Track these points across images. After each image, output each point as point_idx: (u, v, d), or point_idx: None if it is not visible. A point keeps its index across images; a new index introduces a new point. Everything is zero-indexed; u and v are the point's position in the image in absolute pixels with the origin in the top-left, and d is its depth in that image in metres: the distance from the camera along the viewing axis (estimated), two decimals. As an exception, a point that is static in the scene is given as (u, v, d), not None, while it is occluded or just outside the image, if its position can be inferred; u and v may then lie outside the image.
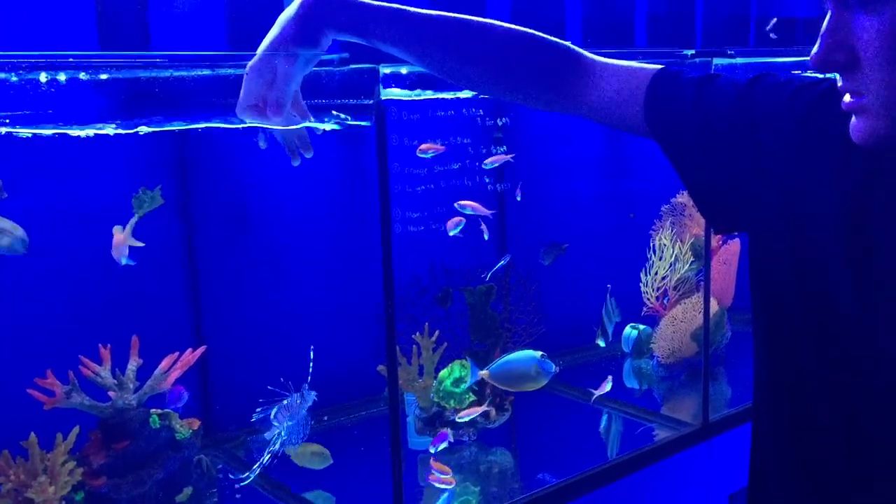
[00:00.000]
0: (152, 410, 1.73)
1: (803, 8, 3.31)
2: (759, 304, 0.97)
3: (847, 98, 0.79)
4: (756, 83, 0.97)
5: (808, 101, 0.91)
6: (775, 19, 3.16)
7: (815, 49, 0.78)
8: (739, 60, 2.05)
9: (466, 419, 1.96)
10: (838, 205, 0.85)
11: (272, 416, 1.69)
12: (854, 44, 0.76)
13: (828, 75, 0.85)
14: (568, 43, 1.09)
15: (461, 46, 1.09)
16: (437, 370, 2.04)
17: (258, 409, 1.69)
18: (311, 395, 1.70)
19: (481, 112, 1.87)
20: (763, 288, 0.96)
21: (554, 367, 1.82)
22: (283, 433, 1.70)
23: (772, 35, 3.15)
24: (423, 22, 1.07)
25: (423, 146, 1.76)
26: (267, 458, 1.70)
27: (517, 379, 1.82)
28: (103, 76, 1.48)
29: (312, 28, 1.06)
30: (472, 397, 2.02)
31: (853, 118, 0.80)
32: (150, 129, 1.71)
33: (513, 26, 1.08)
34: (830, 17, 0.77)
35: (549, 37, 1.09)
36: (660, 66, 1.04)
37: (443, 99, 1.73)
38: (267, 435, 1.70)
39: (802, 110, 0.91)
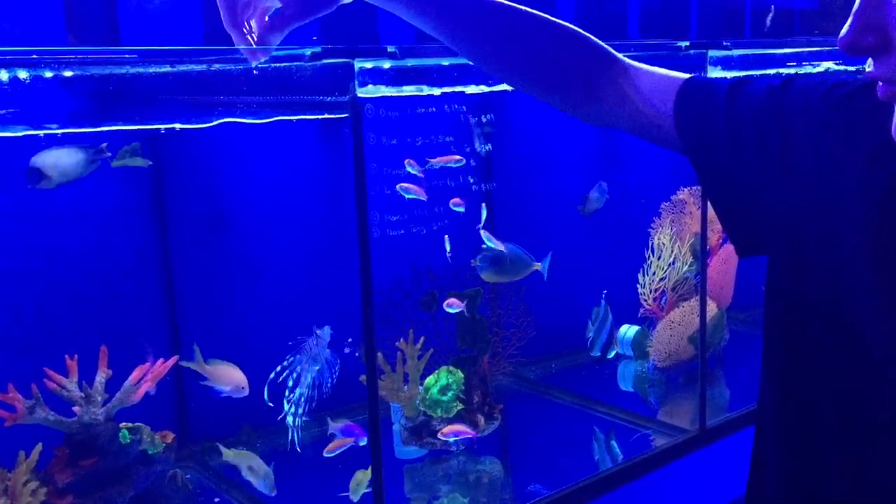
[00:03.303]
0: (122, 425, 1.66)
1: (800, -1, 3.25)
2: (776, 312, 0.92)
3: (880, 86, 0.72)
4: (788, 86, 0.91)
5: (838, 99, 0.86)
6: (772, 12, 3.09)
7: (844, 30, 0.70)
8: (735, 52, 1.97)
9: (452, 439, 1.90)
10: (868, 209, 0.80)
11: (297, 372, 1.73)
12: (887, 25, 0.69)
13: (859, 67, 0.77)
14: (600, 41, 1.03)
15: (502, 33, 1.02)
16: (424, 377, 1.96)
17: (285, 370, 1.72)
18: (327, 331, 1.71)
19: (464, 108, 1.79)
20: (781, 295, 0.91)
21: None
22: (309, 379, 1.73)
23: (768, 21, 3.08)
24: None
25: (407, 185, 1.72)
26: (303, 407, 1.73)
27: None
28: (68, 73, 1.41)
29: None
30: (460, 406, 1.94)
31: None
32: (115, 128, 1.64)
33: (549, 17, 1.02)
34: None
35: (585, 33, 1.03)
36: (689, 75, 0.99)
37: (424, 95, 1.65)
38: (298, 391, 1.73)
39: (833, 110, 0.86)
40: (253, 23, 0.97)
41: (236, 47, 0.97)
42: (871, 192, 0.80)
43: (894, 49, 0.69)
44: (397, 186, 1.73)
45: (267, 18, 0.97)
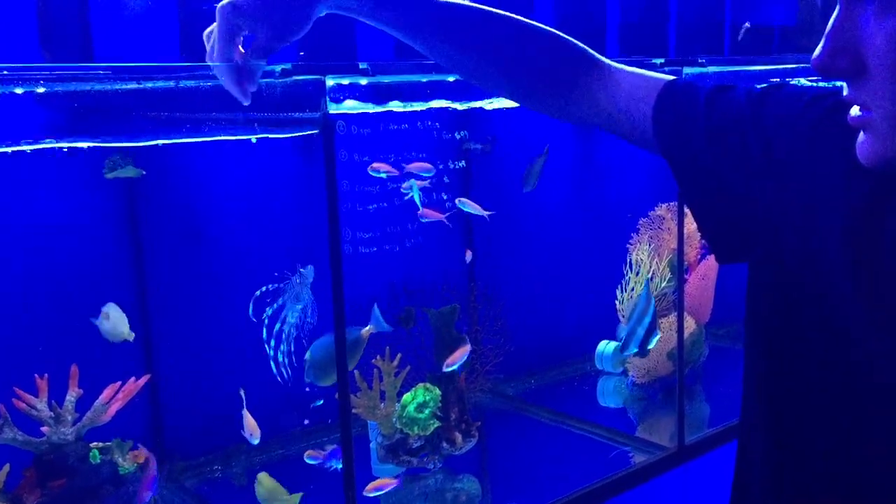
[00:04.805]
0: (93, 444, 1.63)
1: (780, 15, 3.26)
2: (757, 320, 0.91)
3: (854, 111, 0.71)
4: (768, 95, 0.91)
5: (819, 113, 0.85)
6: (746, 25, 3.10)
7: (817, 51, 0.69)
8: (711, 69, 1.98)
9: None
10: (847, 225, 0.79)
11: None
12: (861, 48, 0.67)
13: (834, 84, 0.77)
14: (579, 43, 1.03)
15: (481, 37, 1.02)
16: (401, 394, 1.95)
17: (268, 310, 1.71)
18: (310, 270, 1.68)
19: (438, 125, 1.78)
20: (762, 302, 0.90)
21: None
22: (293, 318, 1.71)
23: (740, 37, 3.09)
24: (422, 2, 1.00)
25: (377, 164, 1.68)
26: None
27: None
28: (40, 90, 1.40)
29: None
30: (437, 423, 1.93)
31: (860, 134, 0.71)
32: (92, 145, 1.63)
33: (527, 20, 1.02)
34: (838, 13, 0.68)
35: (564, 35, 1.03)
36: (671, 77, 0.99)
37: (397, 112, 1.65)
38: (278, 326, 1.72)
39: (813, 123, 0.85)
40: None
41: (213, 70, 0.97)
42: (849, 207, 0.80)
43: (869, 73, 0.67)
44: (369, 169, 1.69)
45: (241, 48, 0.98)
